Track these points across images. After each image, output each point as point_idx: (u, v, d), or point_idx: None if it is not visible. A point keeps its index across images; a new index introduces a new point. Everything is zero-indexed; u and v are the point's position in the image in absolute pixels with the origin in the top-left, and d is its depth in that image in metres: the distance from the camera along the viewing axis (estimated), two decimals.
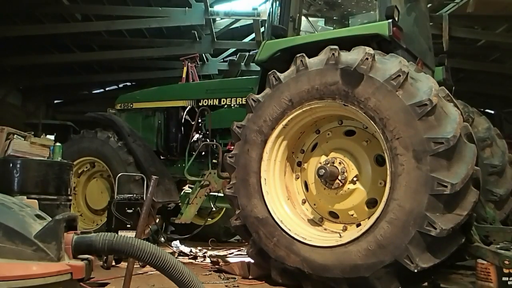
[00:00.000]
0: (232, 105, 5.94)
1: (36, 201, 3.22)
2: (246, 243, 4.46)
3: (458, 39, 10.28)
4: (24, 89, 14.93)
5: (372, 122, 3.57)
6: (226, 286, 3.94)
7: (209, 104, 6.10)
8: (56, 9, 10.28)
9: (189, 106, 6.24)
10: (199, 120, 6.17)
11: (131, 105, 6.81)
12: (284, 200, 4.20)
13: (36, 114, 14.86)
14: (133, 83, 16.04)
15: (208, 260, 5.27)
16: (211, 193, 5.90)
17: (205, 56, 12.80)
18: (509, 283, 3.16)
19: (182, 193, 6.63)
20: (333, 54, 3.76)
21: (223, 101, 6.00)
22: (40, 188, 4.28)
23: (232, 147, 4.55)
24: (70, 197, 4.60)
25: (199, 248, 5.95)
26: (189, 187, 6.70)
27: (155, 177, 3.35)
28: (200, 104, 6.17)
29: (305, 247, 3.77)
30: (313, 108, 3.95)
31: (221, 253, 5.89)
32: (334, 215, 4.13)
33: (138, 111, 6.75)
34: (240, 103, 5.77)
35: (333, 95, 3.76)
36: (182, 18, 10.46)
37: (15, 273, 1.41)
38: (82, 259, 1.69)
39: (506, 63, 12.07)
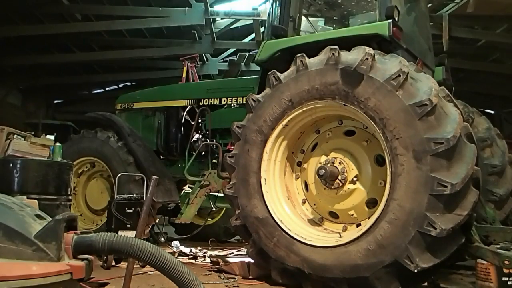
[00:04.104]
0: (232, 104, 5.94)
1: (36, 201, 3.22)
2: (246, 243, 4.45)
3: (458, 39, 10.28)
4: (24, 89, 14.93)
5: (372, 122, 3.57)
6: (226, 286, 3.94)
7: (209, 103, 6.10)
8: (56, 9, 10.27)
9: (189, 106, 6.24)
10: (199, 120, 6.17)
11: (132, 105, 6.82)
12: (284, 200, 4.20)
13: (36, 114, 14.84)
14: (133, 83, 16.02)
15: (208, 260, 5.27)
16: (211, 193, 5.90)
17: (205, 56, 12.79)
18: (509, 283, 3.17)
19: (182, 193, 6.63)
20: (333, 54, 3.76)
21: (224, 101, 6.00)
22: (40, 188, 4.29)
23: (232, 147, 4.55)
24: (70, 197, 4.61)
25: (199, 248, 5.94)
26: (189, 187, 6.69)
27: (155, 177, 3.35)
28: (201, 103, 6.18)
29: (305, 247, 3.77)
30: (313, 108, 3.95)
31: (221, 253, 5.89)
32: (334, 215, 4.13)
33: (138, 111, 6.75)
34: (241, 102, 5.77)
35: (333, 95, 3.76)
36: (182, 18, 10.45)
37: (15, 273, 1.41)
38: (82, 259, 1.69)
39: (506, 63, 12.06)
